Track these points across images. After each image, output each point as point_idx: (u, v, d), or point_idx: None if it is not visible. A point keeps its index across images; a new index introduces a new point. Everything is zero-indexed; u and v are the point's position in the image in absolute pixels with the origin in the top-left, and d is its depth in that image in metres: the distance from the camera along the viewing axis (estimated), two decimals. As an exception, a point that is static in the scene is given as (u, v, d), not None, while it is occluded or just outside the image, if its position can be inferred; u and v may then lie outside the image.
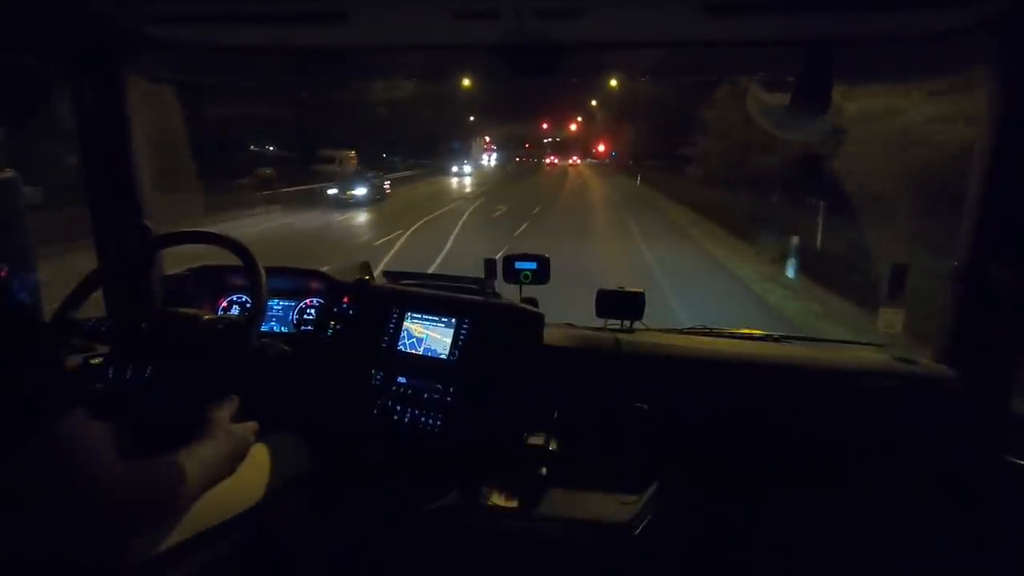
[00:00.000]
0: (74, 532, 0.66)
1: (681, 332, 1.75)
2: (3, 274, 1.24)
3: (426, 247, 10.70)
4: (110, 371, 1.11)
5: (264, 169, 19.64)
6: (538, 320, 1.57)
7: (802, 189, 10.77)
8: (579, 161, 65.22)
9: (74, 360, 1.12)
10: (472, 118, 50.75)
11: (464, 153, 45.33)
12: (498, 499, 1.37)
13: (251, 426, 1.16)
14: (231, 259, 1.29)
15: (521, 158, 73.42)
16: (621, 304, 1.67)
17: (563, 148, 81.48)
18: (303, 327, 1.69)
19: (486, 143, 60.80)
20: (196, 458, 0.93)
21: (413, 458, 1.49)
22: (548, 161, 66.07)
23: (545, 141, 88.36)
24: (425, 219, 14.92)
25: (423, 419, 1.48)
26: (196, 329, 1.20)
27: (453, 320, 1.55)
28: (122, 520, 0.71)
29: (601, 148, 62.28)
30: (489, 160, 56.63)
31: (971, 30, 1.23)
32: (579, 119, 68.74)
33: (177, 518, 0.86)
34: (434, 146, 40.24)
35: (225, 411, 1.11)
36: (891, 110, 6.94)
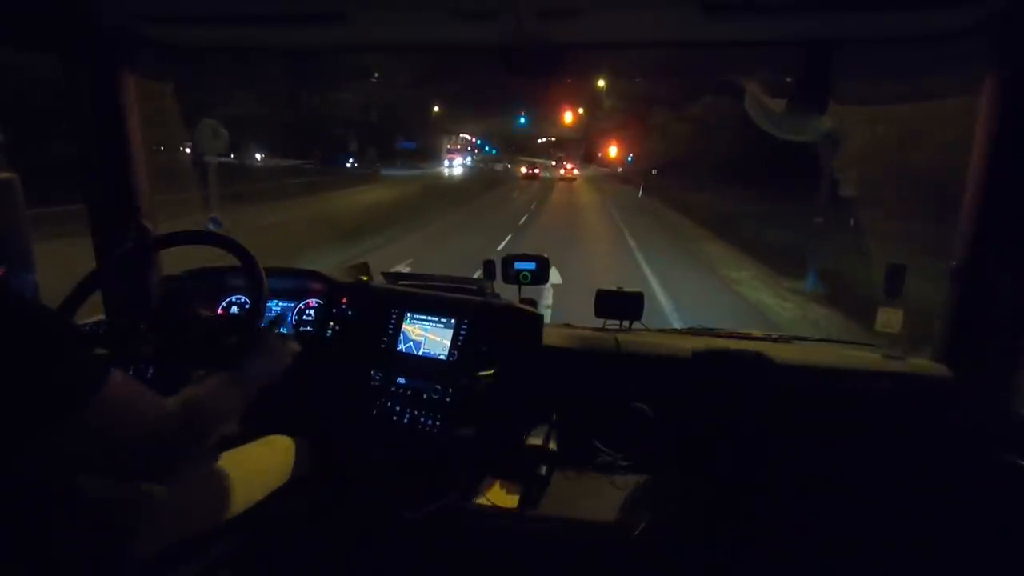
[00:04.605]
0: (131, 468, 0.76)
1: (680, 332, 1.75)
2: (1, 273, 1.24)
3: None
4: None
5: None
6: (537, 320, 1.57)
7: None
8: (576, 171, 42.40)
9: None
10: (436, 108, 36.97)
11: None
12: (498, 499, 1.37)
13: (291, 338, 1.22)
14: (231, 260, 1.28)
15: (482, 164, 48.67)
16: (620, 304, 1.67)
17: (554, 150, 59.54)
18: (302, 328, 1.69)
19: (453, 144, 46.04)
20: (237, 371, 0.99)
21: (413, 458, 1.49)
22: (524, 172, 40.57)
23: (539, 142, 63.73)
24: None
25: (422, 419, 1.48)
26: (196, 330, 1.20)
27: (452, 321, 1.55)
28: (174, 446, 0.80)
29: (613, 151, 38.91)
30: (451, 166, 42.32)
31: (971, 30, 1.23)
32: (579, 110, 38.17)
33: (223, 426, 0.91)
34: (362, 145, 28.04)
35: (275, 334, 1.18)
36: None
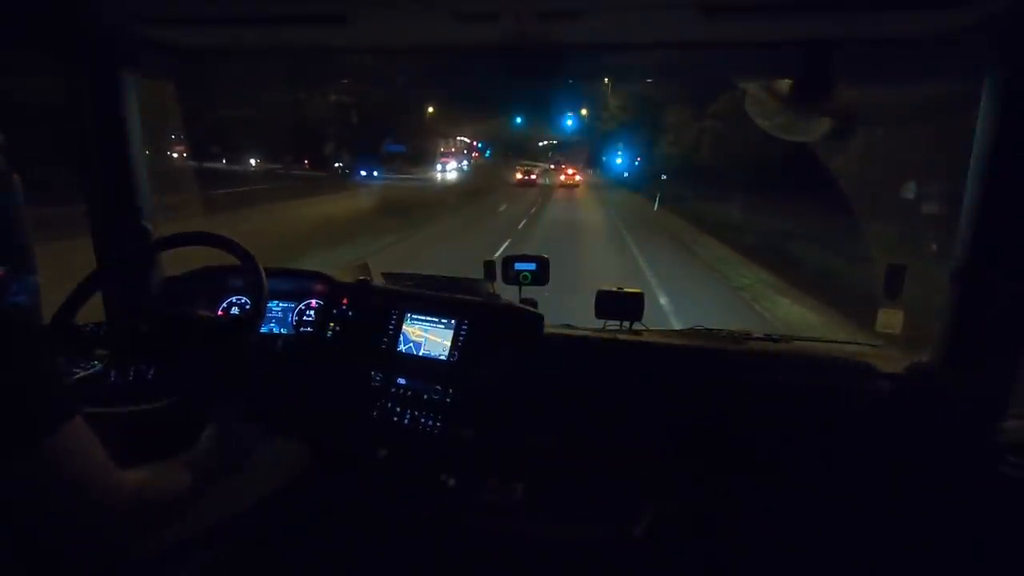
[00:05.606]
0: (70, 543, 0.67)
1: (680, 333, 1.75)
2: (0, 274, 1.24)
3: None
4: (112, 374, 1.11)
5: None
6: (537, 321, 1.57)
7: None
8: (579, 177, 38.10)
9: (76, 368, 1.11)
10: (431, 109, 34.27)
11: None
12: (498, 499, 1.37)
13: (253, 428, 1.16)
14: (231, 260, 1.28)
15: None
16: (621, 305, 1.67)
17: (554, 153, 51.73)
18: (302, 328, 1.68)
19: (448, 148, 43.17)
20: (197, 462, 0.93)
21: (413, 459, 1.49)
22: (519, 178, 35.36)
23: (540, 145, 55.59)
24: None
25: (423, 420, 1.48)
26: (196, 331, 1.20)
27: (452, 321, 1.55)
28: (119, 529, 0.71)
29: (619, 155, 35.98)
30: (444, 171, 38.59)
31: (971, 30, 1.23)
32: (583, 111, 36.20)
33: (175, 521, 0.86)
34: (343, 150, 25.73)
35: (229, 412, 1.11)
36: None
